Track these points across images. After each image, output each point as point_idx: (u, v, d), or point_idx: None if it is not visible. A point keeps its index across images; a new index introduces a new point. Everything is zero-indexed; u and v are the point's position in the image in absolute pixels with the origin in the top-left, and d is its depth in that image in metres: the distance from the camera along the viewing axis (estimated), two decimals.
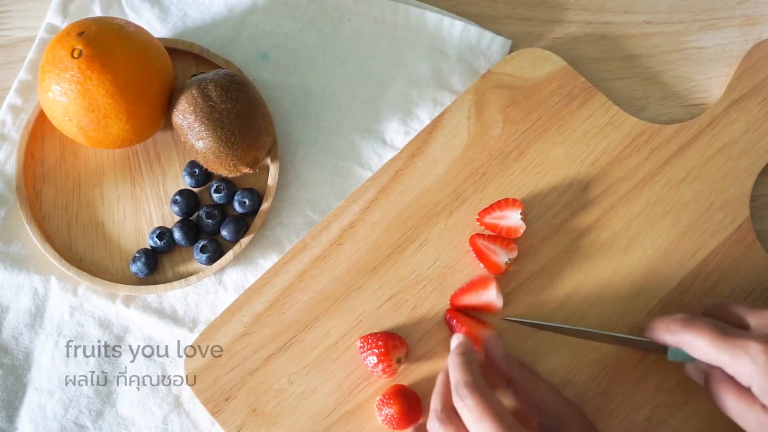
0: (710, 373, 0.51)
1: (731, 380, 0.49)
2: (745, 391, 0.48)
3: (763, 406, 0.47)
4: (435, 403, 0.52)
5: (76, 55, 0.56)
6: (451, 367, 0.51)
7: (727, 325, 0.50)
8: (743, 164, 0.63)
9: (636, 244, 0.61)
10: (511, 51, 0.67)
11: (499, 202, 0.60)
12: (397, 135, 0.65)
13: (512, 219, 0.59)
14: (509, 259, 0.59)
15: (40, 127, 0.64)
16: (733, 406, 0.49)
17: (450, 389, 0.51)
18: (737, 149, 0.63)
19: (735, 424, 0.50)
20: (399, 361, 0.57)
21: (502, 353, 0.54)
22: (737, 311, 0.52)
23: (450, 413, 0.50)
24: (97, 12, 0.66)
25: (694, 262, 0.61)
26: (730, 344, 0.48)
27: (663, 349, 0.54)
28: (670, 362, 0.55)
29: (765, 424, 0.47)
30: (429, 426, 0.51)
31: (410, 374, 0.59)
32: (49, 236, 0.62)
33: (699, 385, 0.55)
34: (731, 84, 0.65)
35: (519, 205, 0.59)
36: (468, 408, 0.48)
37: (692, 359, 0.53)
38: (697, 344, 0.50)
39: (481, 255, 0.60)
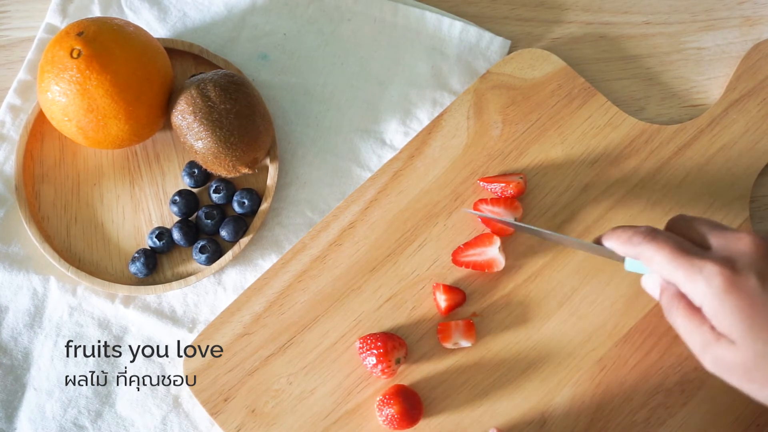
0: (665, 287, 0.50)
1: (684, 297, 0.48)
2: (695, 309, 0.48)
3: (711, 327, 0.47)
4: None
5: (75, 55, 0.56)
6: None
7: (688, 242, 0.49)
8: (743, 165, 0.63)
9: None
10: (510, 51, 0.67)
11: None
12: (397, 135, 0.65)
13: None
14: (515, 219, 0.59)
15: (39, 128, 0.64)
16: (682, 323, 0.48)
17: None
18: (736, 150, 0.63)
19: (734, 423, 0.50)
20: (398, 362, 0.57)
21: None
22: (701, 229, 0.50)
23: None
24: (96, 12, 0.66)
25: None
26: (687, 262, 0.47)
27: (621, 258, 0.53)
28: (669, 362, 0.55)
29: (710, 345, 0.47)
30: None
31: (409, 375, 0.59)
32: (48, 236, 0.62)
33: (697, 387, 0.55)
34: (730, 85, 0.65)
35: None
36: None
37: (648, 272, 0.52)
38: (655, 258, 0.49)
39: (486, 220, 0.60)
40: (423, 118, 0.65)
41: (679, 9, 0.69)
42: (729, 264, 0.46)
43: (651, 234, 0.50)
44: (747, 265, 0.46)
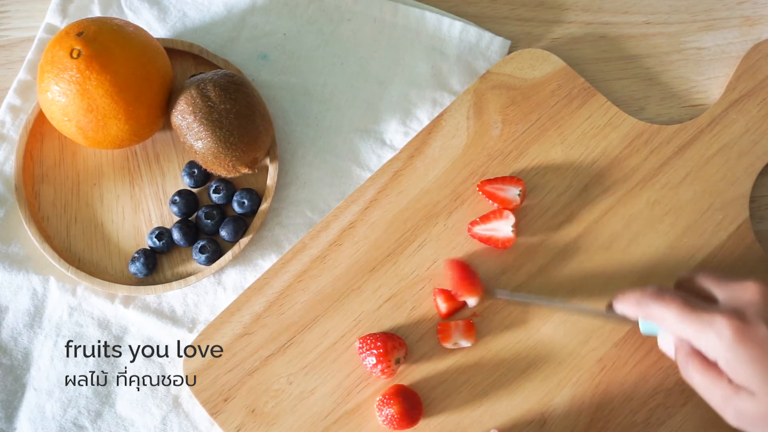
0: (678, 346, 0.51)
1: (699, 354, 0.49)
2: (711, 365, 0.48)
3: (729, 380, 0.47)
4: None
5: (75, 55, 0.56)
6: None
7: (695, 298, 0.50)
8: (742, 165, 0.63)
9: (635, 244, 0.61)
10: (510, 51, 0.67)
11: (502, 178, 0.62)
12: (397, 135, 0.65)
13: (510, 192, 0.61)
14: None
15: (39, 128, 0.64)
16: (699, 379, 0.49)
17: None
18: (736, 150, 0.63)
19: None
20: (398, 362, 0.57)
21: None
22: (706, 284, 0.52)
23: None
24: (96, 12, 0.66)
25: (693, 262, 0.61)
26: (695, 318, 0.48)
27: (636, 321, 0.54)
28: (669, 362, 0.55)
29: (730, 399, 0.47)
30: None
31: (409, 375, 0.59)
32: (48, 236, 0.62)
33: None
34: (730, 85, 0.65)
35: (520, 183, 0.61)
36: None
37: (662, 334, 0.53)
38: (665, 317, 0.49)
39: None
40: (423, 118, 0.65)
41: (679, 9, 0.69)
42: (738, 315, 0.47)
43: (658, 294, 0.50)
44: (756, 314, 0.47)
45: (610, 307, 0.55)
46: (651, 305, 0.51)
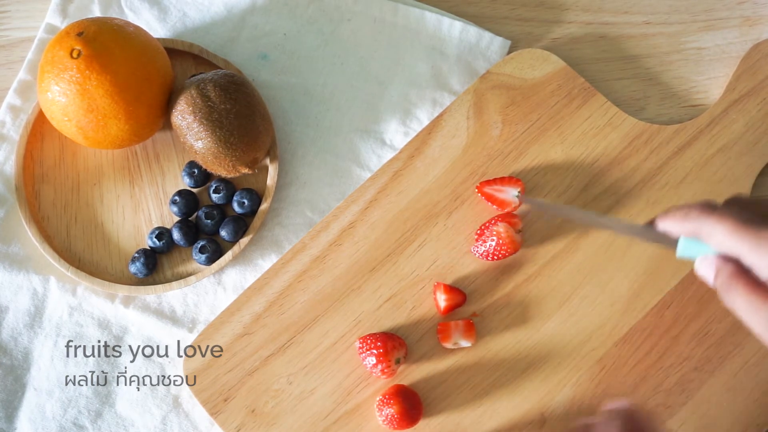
0: (721, 267, 0.47)
1: (745, 274, 0.46)
2: (760, 286, 0.45)
3: None
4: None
5: (75, 55, 0.56)
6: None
7: (751, 214, 0.46)
8: (742, 165, 0.63)
9: (636, 244, 0.61)
10: (510, 51, 0.67)
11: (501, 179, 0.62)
12: (397, 135, 0.65)
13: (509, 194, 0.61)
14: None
15: (39, 128, 0.64)
16: (743, 301, 0.45)
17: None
18: (736, 150, 0.63)
19: (734, 424, 0.50)
20: (398, 362, 0.57)
21: None
22: (762, 204, 0.48)
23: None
24: (96, 12, 0.66)
25: (693, 262, 0.61)
26: (752, 232, 0.44)
27: (674, 242, 0.49)
28: (669, 362, 0.55)
29: None
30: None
31: (409, 375, 0.59)
32: (48, 236, 0.62)
33: (697, 387, 0.54)
34: (730, 85, 0.65)
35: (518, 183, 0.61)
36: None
37: (702, 255, 0.49)
38: (715, 231, 0.46)
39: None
40: (423, 118, 0.65)
41: (679, 9, 0.69)
42: None
43: (710, 207, 0.47)
44: None
45: (650, 224, 0.51)
46: (701, 219, 0.47)
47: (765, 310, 0.44)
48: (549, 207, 0.57)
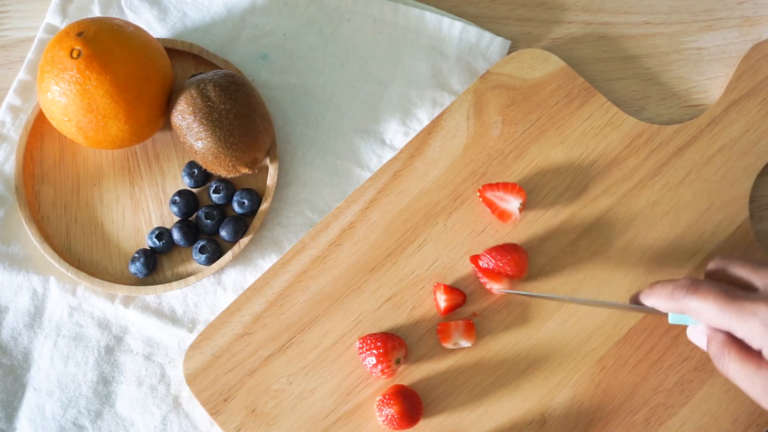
0: (712, 336, 0.49)
1: (736, 342, 0.47)
2: (751, 354, 0.47)
3: None
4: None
5: (75, 55, 0.56)
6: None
7: (732, 287, 0.48)
8: (742, 165, 0.63)
9: (635, 244, 0.61)
10: (510, 51, 0.67)
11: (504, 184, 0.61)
12: (397, 135, 0.65)
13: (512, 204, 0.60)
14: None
15: (39, 128, 0.64)
16: (736, 369, 0.47)
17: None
18: (736, 150, 0.63)
19: (734, 424, 0.50)
20: (398, 362, 0.57)
21: None
22: (742, 272, 0.50)
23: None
24: (96, 12, 0.66)
25: (693, 263, 0.61)
26: (737, 307, 0.46)
27: (664, 313, 0.52)
28: (669, 362, 0.55)
29: None
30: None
31: (409, 375, 0.59)
32: (48, 236, 0.62)
33: (697, 387, 0.54)
34: (730, 85, 0.65)
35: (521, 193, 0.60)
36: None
37: (694, 323, 0.51)
38: (702, 309, 0.48)
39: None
40: (423, 118, 0.65)
41: (679, 9, 0.69)
42: None
43: (693, 286, 0.49)
44: None
45: (636, 299, 0.53)
46: (686, 298, 0.49)
47: (759, 376, 0.46)
48: (533, 295, 0.58)
